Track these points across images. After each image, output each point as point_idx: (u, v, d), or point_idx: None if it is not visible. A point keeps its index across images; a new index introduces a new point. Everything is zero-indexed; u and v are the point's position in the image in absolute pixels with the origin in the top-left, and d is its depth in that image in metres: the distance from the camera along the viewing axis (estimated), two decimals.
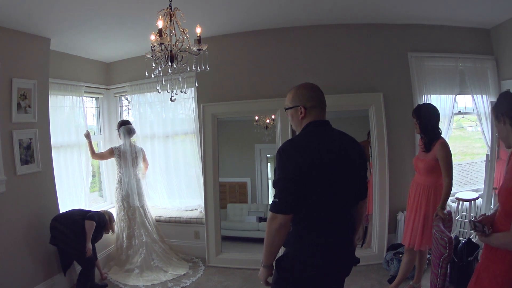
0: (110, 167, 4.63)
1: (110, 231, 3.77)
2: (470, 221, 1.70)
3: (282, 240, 1.64)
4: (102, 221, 3.54)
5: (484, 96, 4.00)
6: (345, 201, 1.69)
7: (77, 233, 3.27)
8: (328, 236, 1.64)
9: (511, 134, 1.59)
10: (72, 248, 3.29)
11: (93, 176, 4.60)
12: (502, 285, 1.52)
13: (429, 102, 3.72)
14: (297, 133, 1.78)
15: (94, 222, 3.35)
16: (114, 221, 3.84)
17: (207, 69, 2.47)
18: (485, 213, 2.37)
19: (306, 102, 1.72)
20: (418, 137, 3.33)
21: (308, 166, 1.57)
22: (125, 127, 4.09)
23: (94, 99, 4.78)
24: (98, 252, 3.87)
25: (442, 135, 2.89)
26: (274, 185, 1.63)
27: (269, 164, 4.37)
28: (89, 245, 3.32)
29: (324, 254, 1.62)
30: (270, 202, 1.60)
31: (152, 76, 2.40)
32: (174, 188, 4.61)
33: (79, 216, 3.34)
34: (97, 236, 3.51)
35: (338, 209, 1.67)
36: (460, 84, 3.99)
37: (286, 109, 1.80)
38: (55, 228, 3.24)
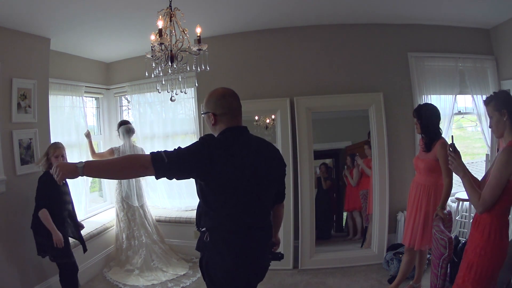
0: None
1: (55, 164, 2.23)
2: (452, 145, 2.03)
3: (117, 177, 1.64)
4: (46, 183, 2.83)
5: (484, 96, 3.98)
6: (262, 206, 1.70)
7: (40, 230, 2.86)
8: (244, 241, 1.64)
9: (508, 127, 1.91)
10: (43, 244, 2.91)
11: None
12: (480, 253, 1.90)
13: (430, 102, 3.72)
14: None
15: (45, 209, 2.80)
16: (61, 147, 3.03)
17: (207, 69, 2.47)
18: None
19: (215, 109, 1.68)
20: (418, 137, 3.33)
21: (224, 173, 1.56)
22: (124, 126, 4.08)
23: (94, 99, 4.78)
24: (98, 252, 3.88)
25: (442, 135, 2.90)
26: (174, 149, 1.56)
27: None
28: (57, 235, 2.79)
29: (239, 258, 1.63)
30: None
31: (152, 76, 2.41)
32: (174, 188, 4.60)
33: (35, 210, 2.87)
34: (67, 200, 2.99)
35: (255, 214, 1.67)
36: (460, 84, 3.99)
37: (202, 114, 1.77)
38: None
